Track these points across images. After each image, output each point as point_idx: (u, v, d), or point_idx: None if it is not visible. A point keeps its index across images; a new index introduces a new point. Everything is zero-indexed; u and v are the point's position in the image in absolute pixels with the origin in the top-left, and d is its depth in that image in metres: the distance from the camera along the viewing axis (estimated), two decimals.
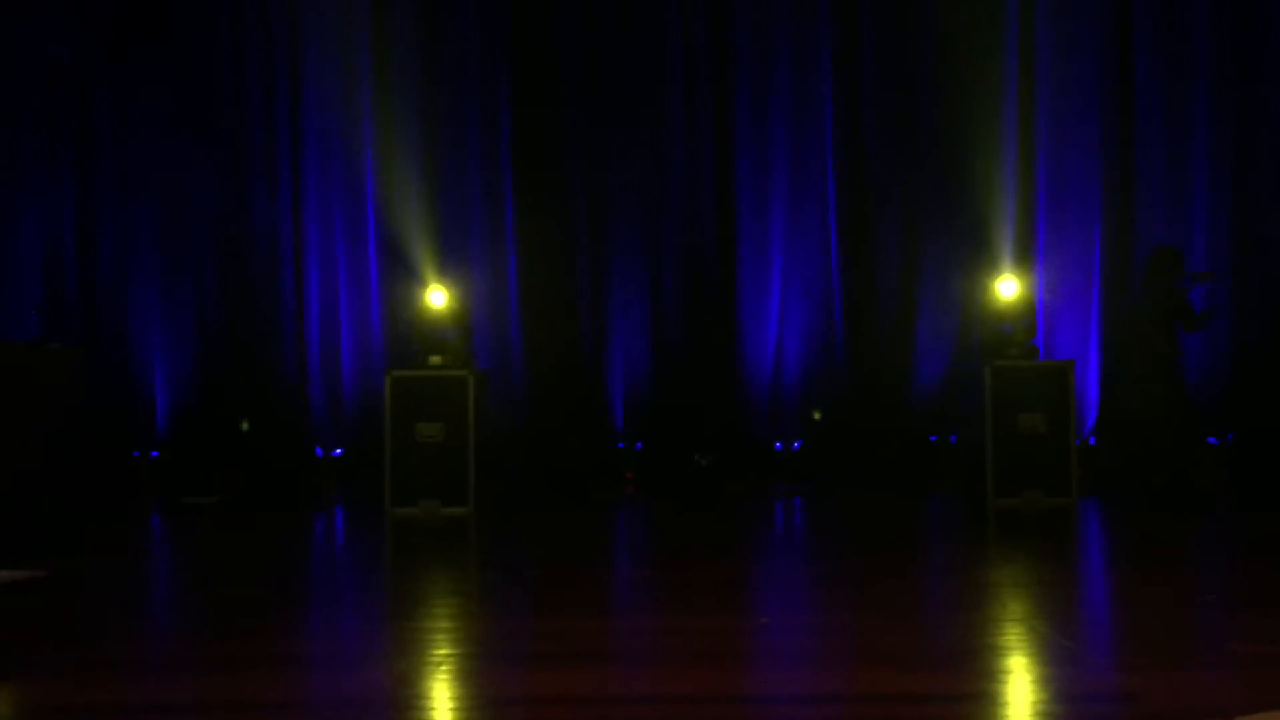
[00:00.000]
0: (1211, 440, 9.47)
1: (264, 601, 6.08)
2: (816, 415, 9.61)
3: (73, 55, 9.61)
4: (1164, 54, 9.66)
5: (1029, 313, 9.01)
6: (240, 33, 9.76)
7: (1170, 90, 9.66)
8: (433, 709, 4.37)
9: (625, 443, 9.73)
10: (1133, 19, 9.63)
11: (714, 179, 9.79)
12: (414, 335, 9.12)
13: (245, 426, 9.58)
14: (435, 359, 8.86)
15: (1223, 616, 5.56)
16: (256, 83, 9.77)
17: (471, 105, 9.78)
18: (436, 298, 9.05)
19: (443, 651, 5.07)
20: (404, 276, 9.54)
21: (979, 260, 9.50)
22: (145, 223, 9.72)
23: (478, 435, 8.66)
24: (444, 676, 4.66)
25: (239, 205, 9.76)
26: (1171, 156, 9.64)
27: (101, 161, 9.71)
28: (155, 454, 9.69)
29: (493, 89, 9.79)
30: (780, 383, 9.71)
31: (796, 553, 7.72)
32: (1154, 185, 9.64)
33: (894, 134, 9.71)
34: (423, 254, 9.55)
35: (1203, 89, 9.61)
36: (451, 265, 9.53)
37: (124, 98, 9.69)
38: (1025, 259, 9.48)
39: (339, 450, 9.70)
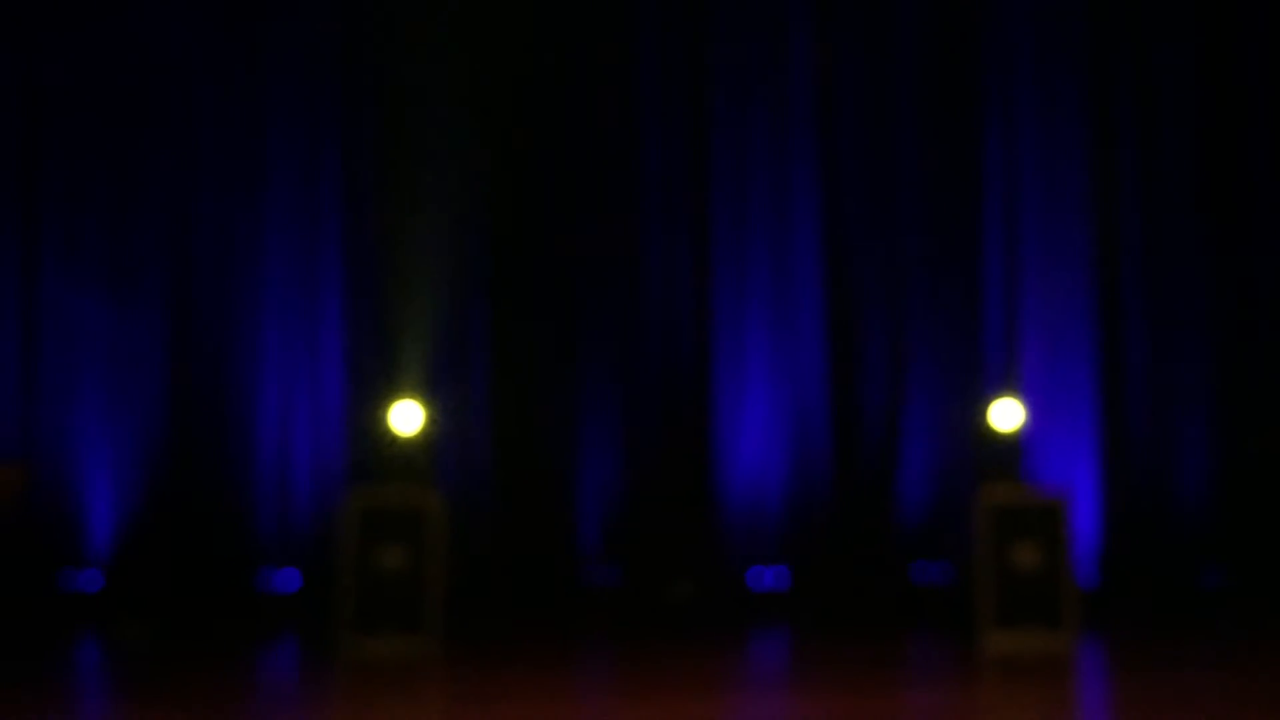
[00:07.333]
0: None
1: None
2: None
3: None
4: (1147, 186, 9.60)
5: (1023, 441, 8.75)
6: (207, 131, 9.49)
7: (1156, 218, 9.58)
8: None
9: (598, 570, 9.37)
10: (1117, 132, 9.61)
11: (691, 294, 9.55)
12: (377, 456, 8.77)
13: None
14: (398, 481, 8.49)
15: None
16: (216, 188, 9.46)
17: (442, 218, 9.62)
18: (401, 417, 8.73)
19: None
20: (368, 394, 9.21)
21: (971, 385, 9.32)
22: (91, 331, 9.38)
23: (441, 562, 8.23)
24: None
25: (192, 318, 9.36)
26: (1156, 286, 9.55)
27: (45, 272, 9.37)
28: (91, 581, 9.23)
29: (466, 206, 9.59)
30: (760, 510, 9.39)
31: (776, 691, 7.38)
32: (1141, 309, 9.56)
33: (878, 260, 9.57)
34: (388, 371, 9.25)
35: (1185, 219, 9.54)
36: (418, 384, 9.27)
37: (72, 179, 9.32)
38: (1017, 385, 9.31)
39: (293, 576, 9.28)
